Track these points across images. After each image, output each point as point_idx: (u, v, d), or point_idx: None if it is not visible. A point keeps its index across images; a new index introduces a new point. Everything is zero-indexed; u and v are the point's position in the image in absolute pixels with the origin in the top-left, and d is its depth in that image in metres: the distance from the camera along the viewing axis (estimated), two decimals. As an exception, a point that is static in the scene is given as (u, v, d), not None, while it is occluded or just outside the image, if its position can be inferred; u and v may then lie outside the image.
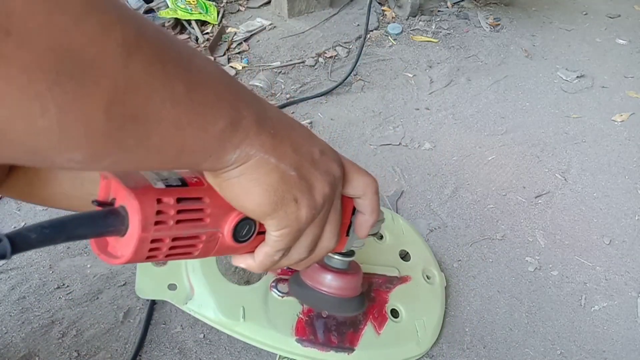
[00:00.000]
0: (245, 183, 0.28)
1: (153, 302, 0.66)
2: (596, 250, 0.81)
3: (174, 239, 0.27)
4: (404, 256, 0.68)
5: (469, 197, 0.88)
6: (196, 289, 0.57)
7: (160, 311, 0.66)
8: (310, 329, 0.58)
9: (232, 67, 1.18)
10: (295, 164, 0.29)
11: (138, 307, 0.66)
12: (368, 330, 0.60)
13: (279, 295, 0.59)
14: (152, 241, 0.26)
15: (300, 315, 0.58)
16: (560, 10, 1.67)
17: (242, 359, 0.62)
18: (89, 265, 0.71)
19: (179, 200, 0.27)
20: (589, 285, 0.75)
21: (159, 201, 0.26)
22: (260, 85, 1.13)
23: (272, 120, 0.28)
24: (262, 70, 1.18)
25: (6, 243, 0.21)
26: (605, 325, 0.70)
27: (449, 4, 1.61)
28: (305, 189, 0.29)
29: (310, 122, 1.03)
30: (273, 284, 0.59)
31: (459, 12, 1.56)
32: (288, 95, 1.11)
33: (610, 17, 1.66)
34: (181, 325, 0.65)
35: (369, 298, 0.61)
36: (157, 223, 0.26)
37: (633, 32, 1.57)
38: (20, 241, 0.22)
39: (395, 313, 0.63)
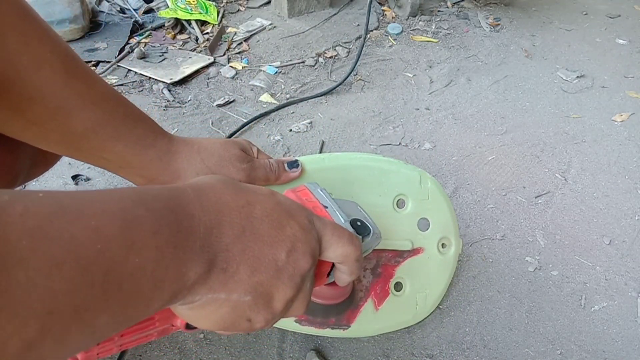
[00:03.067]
0: (194, 316, 0.28)
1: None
2: (596, 250, 0.81)
3: (122, 336, 0.29)
4: (422, 226, 0.63)
5: (469, 197, 0.88)
6: None
7: (160, 311, 0.66)
8: (310, 311, 0.58)
9: (232, 67, 1.18)
10: (251, 287, 0.28)
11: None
12: (367, 306, 0.59)
13: None
14: (99, 352, 0.29)
15: None
16: (560, 10, 1.67)
17: (242, 359, 0.62)
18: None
19: None
20: (589, 285, 0.75)
21: None
22: (261, 85, 1.13)
23: (227, 250, 0.27)
24: (262, 70, 1.18)
25: None
26: (605, 325, 0.70)
27: (449, 4, 1.61)
28: (261, 306, 0.29)
29: (310, 122, 1.03)
30: None
31: (459, 12, 1.56)
32: (288, 95, 1.11)
33: (610, 17, 1.66)
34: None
35: (375, 273, 0.60)
36: (99, 342, 0.28)
37: (633, 32, 1.57)
38: None
39: (398, 286, 0.62)
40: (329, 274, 0.37)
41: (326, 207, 0.38)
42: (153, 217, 0.24)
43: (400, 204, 0.59)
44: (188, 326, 0.32)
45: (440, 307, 0.70)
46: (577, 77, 1.28)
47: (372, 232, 0.41)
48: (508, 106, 1.15)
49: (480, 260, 0.77)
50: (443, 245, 0.63)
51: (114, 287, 0.21)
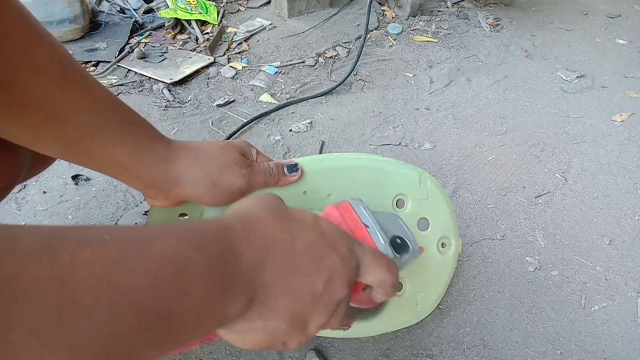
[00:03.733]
0: (233, 338, 0.30)
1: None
2: (596, 250, 0.81)
3: None
4: (422, 225, 0.63)
5: (469, 197, 0.88)
6: None
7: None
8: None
9: (232, 67, 1.18)
10: (288, 317, 0.29)
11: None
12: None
13: None
14: None
15: None
16: (560, 10, 1.67)
17: (242, 359, 0.62)
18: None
19: None
20: (589, 285, 0.75)
21: None
22: (261, 85, 1.13)
23: (268, 284, 0.28)
24: (262, 70, 1.18)
25: None
26: (605, 325, 0.70)
27: (449, 4, 1.61)
28: (295, 332, 0.30)
29: (310, 122, 1.03)
30: None
31: (459, 12, 1.56)
32: (288, 95, 1.11)
33: (610, 17, 1.66)
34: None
35: None
36: None
37: (633, 32, 1.57)
38: None
39: (398, 286, 0.61)
40: (364, 289, 0.38)
41: (367, 226, 0.39)
42: (205, 260, 0.25)
43: (399, 204, 0.59)
44: None
45: (440, 307, 0.70)
46: (577, 77, 1.28)
47: (410, 249, 0.41)
48: (508, 106, 1.15)
49: (480, 260, 0.77)
50: (443, 245, 0.63)
51: (163, 327, 0.23)
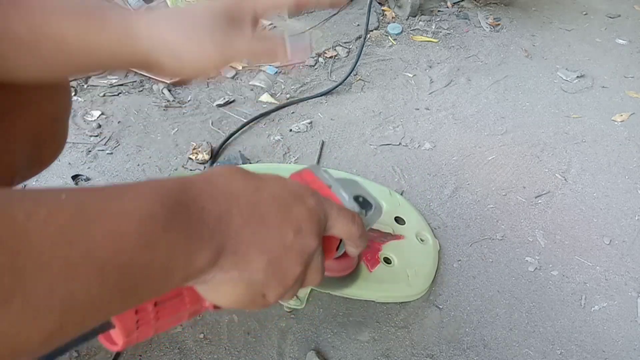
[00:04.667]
0: (214, 296, 0.30)
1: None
2: (596, 250, 0.81)
3: (158, 320, 0.31)
4: (399, 221, 0.69)
5: (469, 197, 0.88)
6: None
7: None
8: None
9: (232, 67, 1.18)
10: (262, 266, 0.30)
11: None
12: (362, 267, 0.65)
13: None
14: (138, 336, 0.30)
15: None
16: (560, 10, 1.67)
17: (242, 359, 0.62)
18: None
19: (156, 303, 0.30)
20: (589, 285, 0.75)
21: (137, 311, 0.29)
22: (261, 85, 1.13)
23: (237, 235, 0.28)
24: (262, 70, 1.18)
25: None
26: (605, 325, 0.70)
27: (449, 4, 1.61)
28: (273, 282, 0.31)
29: (310, 122, 1.03)
30: None
31: (459, 12, 1.56)
32: (288, 95, 1.11)
33: (610, 17, 1.66)
34: (181, 325, 0.65)
35: None
36: (138, 327, 0.29)
37: (633, 32, 1.57)
38: None
39: (388, 260, 0.66)
40: (337, 248, 0.40)
41: (330, 186, 0.41)
42: (166, 213, 0.25)
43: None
44: (215, 306, 0.34)
45: (440, 307, 0.70)
46: (577, 77, 1.28)
47: (373, 206, 0.43)
48: (508, 106, 1.15)
49: (480, 260, 0.77)
50: (421, 240, 0.69)
51: (127, 281, 0.23)
